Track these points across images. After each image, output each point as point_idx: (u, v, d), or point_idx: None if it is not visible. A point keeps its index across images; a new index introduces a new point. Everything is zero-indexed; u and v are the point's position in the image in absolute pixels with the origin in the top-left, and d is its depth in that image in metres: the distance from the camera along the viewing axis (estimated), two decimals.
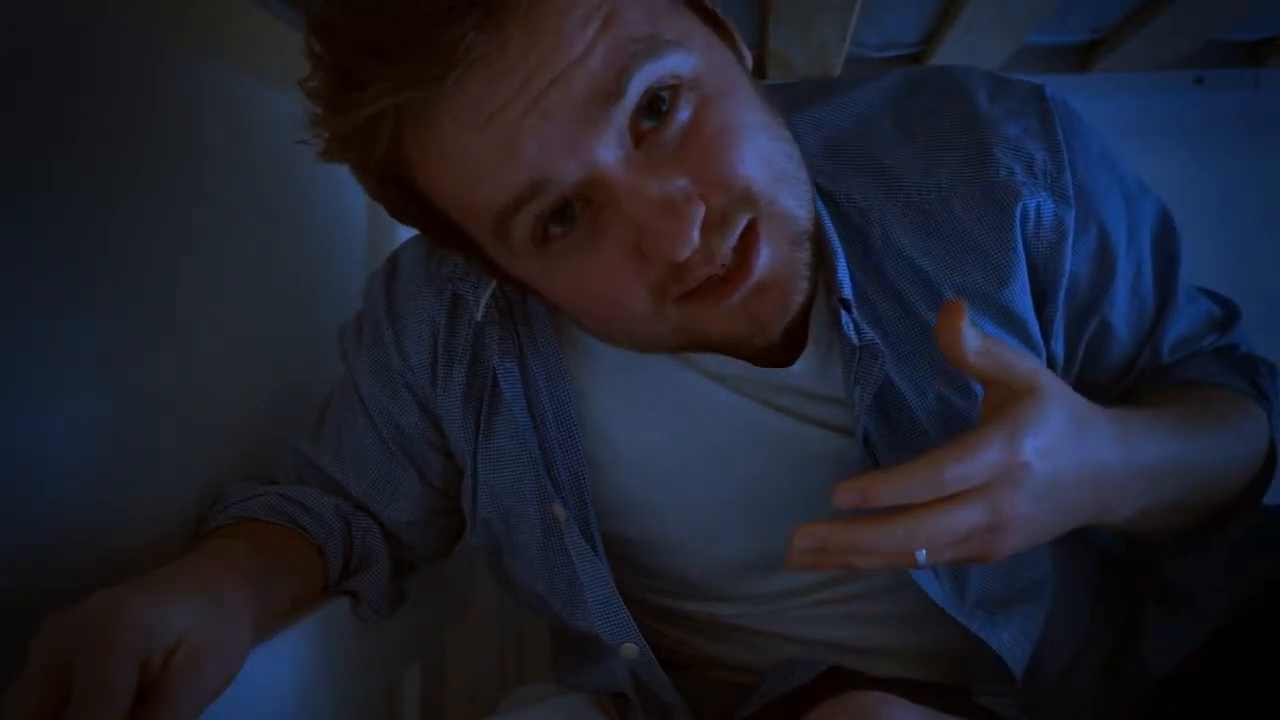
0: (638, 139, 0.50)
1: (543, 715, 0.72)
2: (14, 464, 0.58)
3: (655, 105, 0.50)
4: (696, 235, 0.50)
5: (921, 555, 0.48)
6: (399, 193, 0.55)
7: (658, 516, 0.67)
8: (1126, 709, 0.68)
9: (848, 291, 0.59)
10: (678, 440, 0.65)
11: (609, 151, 0.49)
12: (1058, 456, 0.50)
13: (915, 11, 1.11)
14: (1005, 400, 0.50)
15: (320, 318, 0.87)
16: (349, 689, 0.71)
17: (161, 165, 0.70)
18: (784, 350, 0.61)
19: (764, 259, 0.53)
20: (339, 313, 0.78)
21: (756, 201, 0.52)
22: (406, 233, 0.67)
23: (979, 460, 0.48)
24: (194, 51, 0.75)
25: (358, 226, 0.99)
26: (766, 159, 0.53)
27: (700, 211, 0.50)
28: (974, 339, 0.49)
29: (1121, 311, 0.65)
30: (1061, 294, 0.62)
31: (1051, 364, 0.65)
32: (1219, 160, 1.26)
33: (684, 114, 0.51)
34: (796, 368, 0.61)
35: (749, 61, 0.58)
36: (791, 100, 0.64)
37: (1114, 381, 0.68)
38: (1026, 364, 0.51)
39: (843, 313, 0.59)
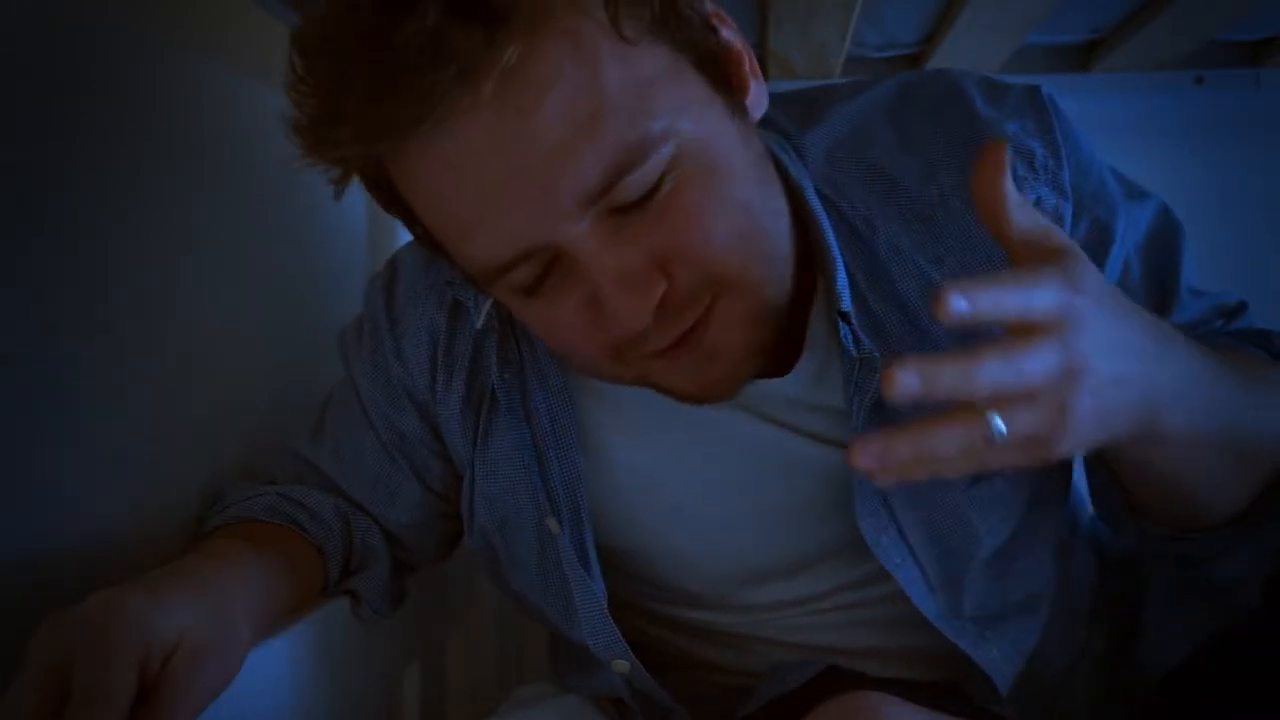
0: (610, 210, 0.50)
1: (543, 715, 0.72)
2: (14, 464, 0.58)
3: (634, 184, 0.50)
4: (651, 312, 0.50)
5: (997, 423, 0.40)
6: (386, 195, 0.55)
7: (653, 529, 0.67)
8: (1124, 710, 0.68)
9: (846, 304, 0.59)
10: (671, 454, 0.65)
11: (577, 226, 0.50)
12: (1114, 299, 0.45)
13: (915, 11, 1.11)
14: (1043, 258, 0.44)
15: (321, 318, 0.87)
16: (349, 689, 0.71)
17: (161, 165, 0.70)
18: (780, 359, 0.61)
19: (713, 332, 0.54)
20: (340, 313, 0.78)
21: (725, 285, 0.52)
22: (407, 234, 0.67)
23: (1041, 286, 0.41)
24: (194, 51, 0.75)
25: (358, 226, 0.99)
26: (742, 238, 0.53)
27: (659, 288, 0.50)
28: (1014, 191, 0.43)
29: None
30: None
31: None
32: (1219, 160, 1.26)
33: (663, 188, 0.51)
34: (791, 377, 0.61)
35: (761, 102, 0.57)
36: (801, 118, 0.64)
37: None
38: (1059, 231, 0.46)
39: (841, 325, 0.58)
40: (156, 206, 0.69)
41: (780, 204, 0.57)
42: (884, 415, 0.61)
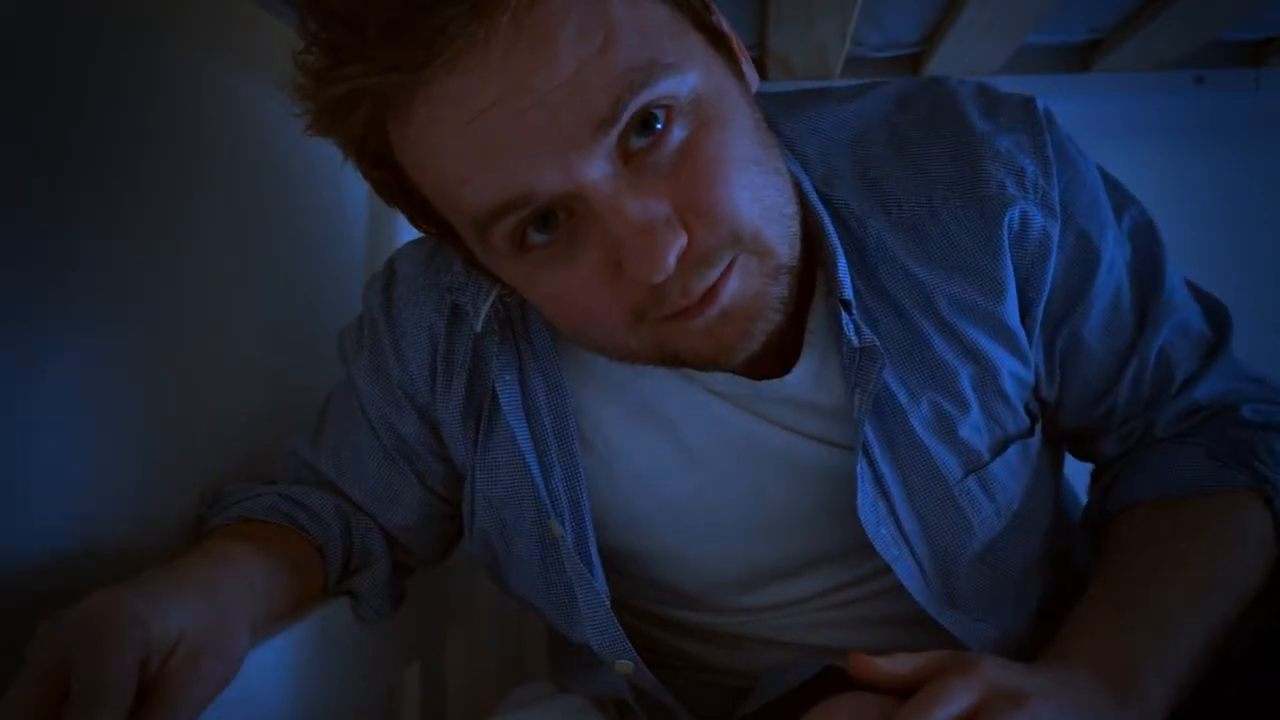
0: (626, 156, 0.50)
1: (542, 715, 0.72)
2: (14, 465, 0.58)
3: (648, 123, 0.50)
4: (672, 261, 0.49)
5: None
6: (385, 172, 0.55)
7: (655, 531, 0.67)
8: None
9: (848, 291, 0.59)
10: (674, 455, 0.65)
11: (595, 169, 0.49)
12: (1015, 667, 0.51)
13: (915, 12, 1.11)
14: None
15: (321, 318, 0.87)
16: (349, 689, 0.71)
17: (161, 165, 0.70)
18: (779, 360, 0.61)
19: (730, 291, 0.52)
20: (339, 313, 0.78)
21: (741, 242, 0.52)
22: (407, 234, 0.67)
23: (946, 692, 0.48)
24: (194, 51, 0.75)
25: (358, 227, 0.99)
26: (756, 194, 0.52)
27: (680, 240, 0.49)
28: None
29: (1095, 326, 0.64)
30: (1041, 306, 0.62)
31: (1036, 376, 0.65)
32: (1219, 160, 1.26)
33: (677, 136, 0.51)
34: (792, 377, 0.61)
35: (753, 78, 0.58)
36: (787, 107, 0.64)
37: (1096, 400, 0.67)
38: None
39: (843, 313, 0.59)
40: (156, 207, 0.69)
41: (782, 166, 0.57)
42: (882, 410, 0.61)
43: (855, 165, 0.62)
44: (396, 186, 0.55)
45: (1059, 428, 0.70)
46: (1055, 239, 0.61)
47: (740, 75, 0.56)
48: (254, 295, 0.81)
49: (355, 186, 0.95)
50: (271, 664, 0.61)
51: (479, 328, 0.64)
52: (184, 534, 0.70)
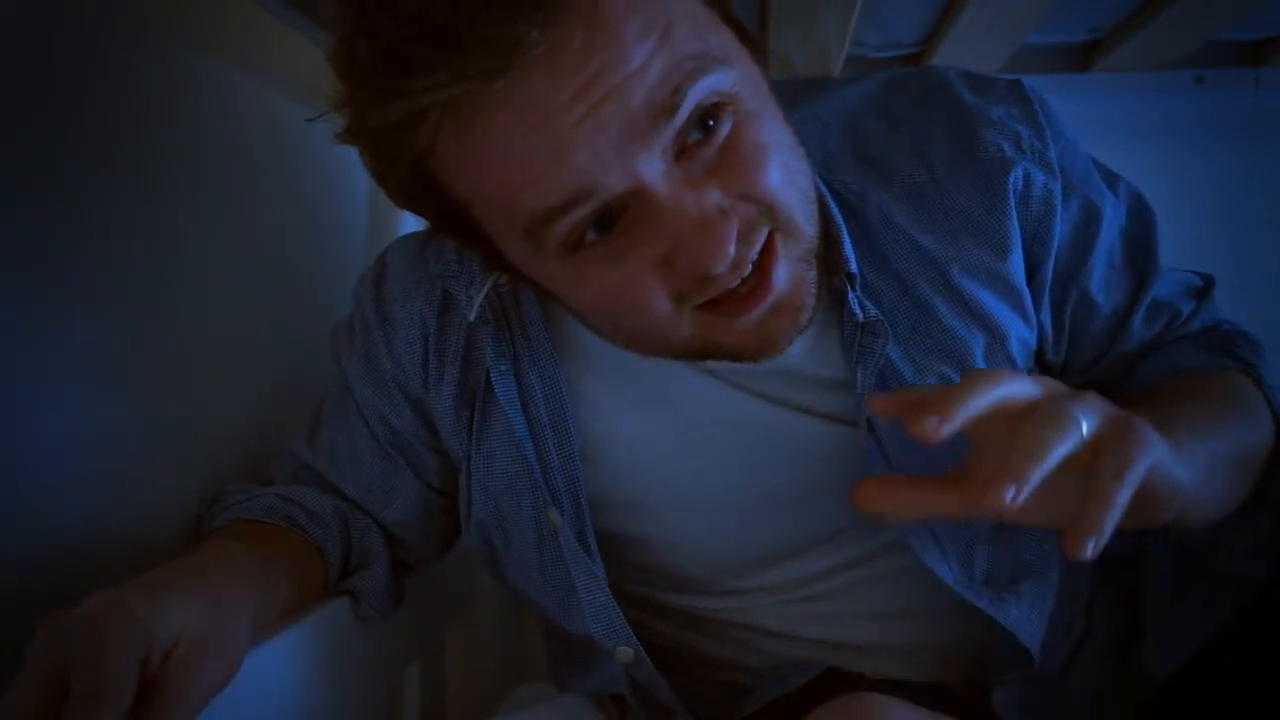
0: (679, 153, 0.51)
1: (543, 715, 0.72)
2: (14, 466, 0.58)
3: (703, 121, 0.51)
4: (733, 250, 0.50)
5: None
6: (413, 176, 0.53)
7: (653, 514, 0.67)
8: (1126, 710, 0.68)
9: (853, 265, 0.60)
10: (671, 437, 0.65)
11: (653, 165, 0.50)
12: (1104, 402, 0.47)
13: (915, 12, 1.11)
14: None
15: (319, 318, 0.87)
16: (349, 689, 0.71)
17: (161, 165, 0.70)
18: None
19: (782, 276, 0.54)
20: (339, 313, 0.78)
21: (778, 216, 0.53)
22: (406, 231, 0.67)
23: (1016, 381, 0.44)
24: (194, 51, 0.75)
25: (358, 226, 0.99)
26: (790, 177, 0.54)
27: (735, 226, 0.51)
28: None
29: (1099, 284, 0.67)
30: (1050, 265, 0.64)
31: (1041, 335, 0.67)
32: (1219, 160, 1.26)
33: (724, 129, 0.52)
34: (790, 350, 0.62)
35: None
36: (786, 98, 0.65)
37: (1098, 357, 0.69)
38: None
39: (848, 289, 0.60)
40: (156, 207, 0.69)
41: (803, 151, 0.58)
42: (887, 385, 0.62)
43: (851, 146, 0.64)
44: (424, 190, 0.54)
45: None
46: (1058, 196, 0.63)
47: (761, 64, 0.57)
48: (254, 295, 0.81)
49: (355, 185, 0.96)
50: (271, 664, 0.61)
51: (472, 317, 0.64)
52: (184, 534, 0.70)
